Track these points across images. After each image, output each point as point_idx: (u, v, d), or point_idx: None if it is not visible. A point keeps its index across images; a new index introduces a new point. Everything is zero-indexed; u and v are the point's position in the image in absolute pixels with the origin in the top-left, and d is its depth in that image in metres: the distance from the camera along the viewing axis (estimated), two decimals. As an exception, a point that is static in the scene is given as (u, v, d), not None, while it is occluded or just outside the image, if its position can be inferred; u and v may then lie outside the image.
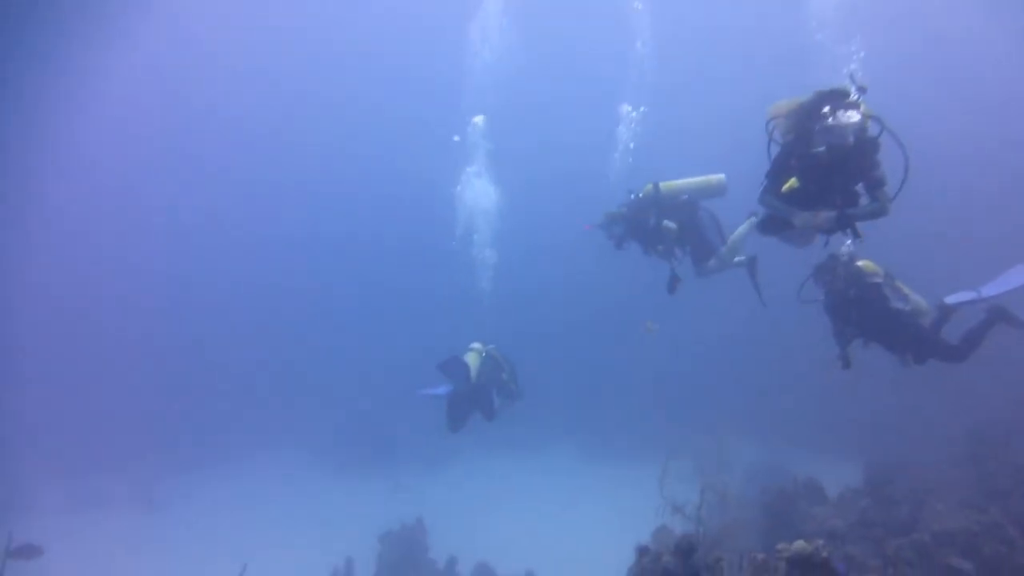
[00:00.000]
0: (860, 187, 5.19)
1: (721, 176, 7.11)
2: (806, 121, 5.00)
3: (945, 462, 10.58)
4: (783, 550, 4.71)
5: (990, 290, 5.75)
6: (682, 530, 6.13)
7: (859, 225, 5.17)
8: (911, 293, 5.87)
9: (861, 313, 5.75)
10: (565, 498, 14.15)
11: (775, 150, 5.40)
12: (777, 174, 5.26)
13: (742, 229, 7.17)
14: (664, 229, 7.09)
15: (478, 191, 14.36)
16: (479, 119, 13.86)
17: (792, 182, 4.99)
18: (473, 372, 8.21)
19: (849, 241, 5.47)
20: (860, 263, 5.86)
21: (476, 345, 8.74)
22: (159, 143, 28.04)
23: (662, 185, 7.23)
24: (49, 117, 16.86)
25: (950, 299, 5.83)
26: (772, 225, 5.56)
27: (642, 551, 5.32)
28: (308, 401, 21.99)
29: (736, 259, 7.31)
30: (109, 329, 24.67)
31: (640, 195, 7.32)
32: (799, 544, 4.60)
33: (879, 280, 5.74)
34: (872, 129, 4.92)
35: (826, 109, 4.83)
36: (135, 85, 24.08)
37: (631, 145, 12.11)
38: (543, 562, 10.50)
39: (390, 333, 27.08)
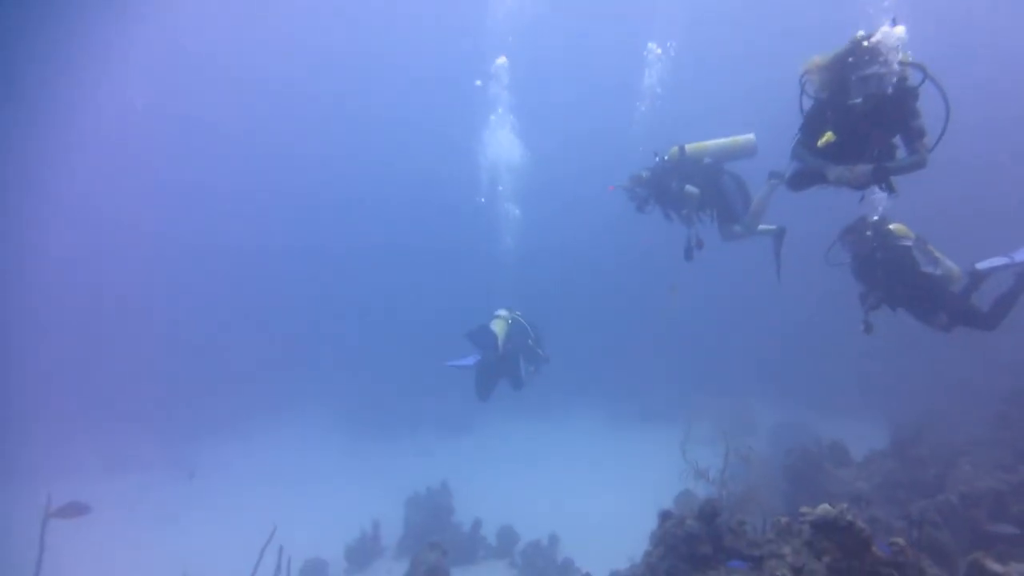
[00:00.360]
0: (897, 139, 5.01)
1: (750, 136, 6.85)
2: (842, 71, 4.75)
3: (974, 423, 10.47)
4: (807, 513, 4.74)
5: (1022, 255, 5.55)
6: (705, 494, 6.17)
7: (895, 180, 5.00)
8: (943, 258, 5.65)
9: (888, 276, 5.58)
10: (588, 462, 14.29)
11: (808, 104, 5.21)
12: (812, 128, 5.04)
13: (764, 191, 6.96)
14: (686, 194, 6.90)
15: (501, 141, 14.18)
16: (502, 60, 13.58)
17: (828, 135, 4.77)
18: (500, 340, 8.20)
19: (885, 195, 5.24)
20: (891, 226, 5.65)
21: (502, 312, 8.72)
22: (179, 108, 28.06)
23: (688, 147, 7.03)
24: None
25: (981, 265, 5.61)
26: (804, 180, 5.34)
27: (665, 515, 5.39)
28: (335, 365, 22.45)
29: (763, 227, 7.14)
30: (140, 293, 25.27)
31: (665, 158, 7.15)
32: (823, 508, 4.62)
33: (909, 243, 5.53)
34: (913, 78, 4.74)
35: (864, 58, 4.61)
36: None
37: (658, 90, 11.72)
38: (567, 526, 10.64)
39: (416, 295, 27.36)
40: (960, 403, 11.85)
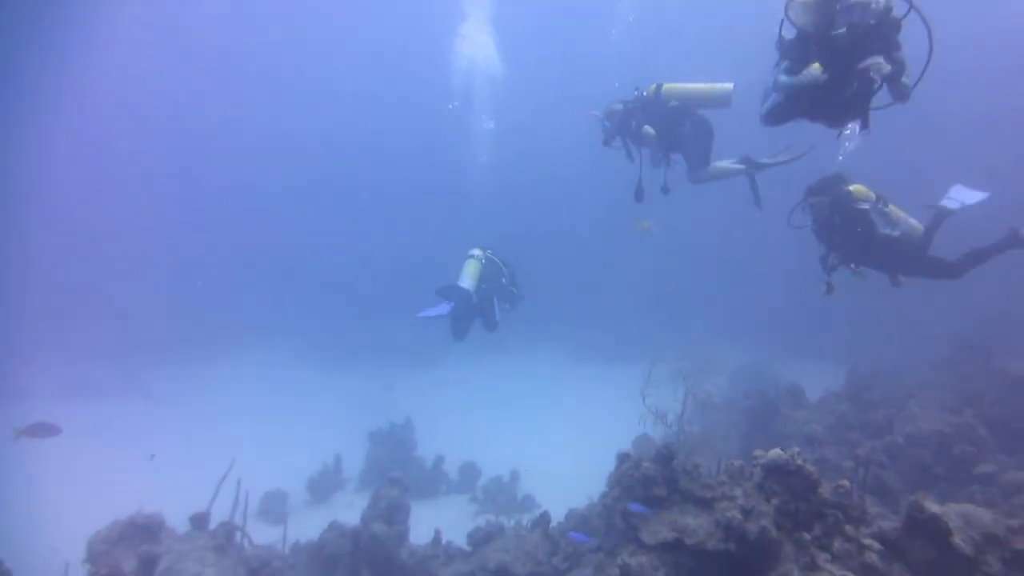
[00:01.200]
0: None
1: (727, 86, 6.59)
2: (826, 2, 4.62)
3: (927, 365, 10.85)
4: (759, 457, 4.85)
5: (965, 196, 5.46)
6: (664, 437, 6.28)
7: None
8: (905, 217, 5.58)
9: (847, 239, 5.57)
10: (552, 399, 14.50)
11: (790, 35, 5.04)
12: (795, 59, 4.89)
13: (729, 164, 6.84)
14: (643, 133, 6.79)
15: (477, 46, 13.57)
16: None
17: (816, 66, 4.65)
18: (474, 282, 8.17)
19: (859, 132, 5.12)
20: (851, 188, 5.56)
21: (475, 252, 8.57)
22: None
23: (665, 87, 6.84)
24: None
25: (948, 201, 5.60)
26: (782, 113, 5.21)
27: (623, 458, 5.46)
28: (302, 295, 22.19)
29: (734, 168, 7.00)
30: (104, 221, 24.48)
31: (644, 94, 6.97)
32: (774, 452, 4.72)
33: (866, 206, 5.46)
34: (898, 10, 4.62)
35: None
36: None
37: (630, 18, 11.23)
38: (528, 462, 10.87)
39: (386, 223, 26.91)
40: (913, 345, 12.21)
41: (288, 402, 15.04)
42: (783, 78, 4.93)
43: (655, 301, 19.45)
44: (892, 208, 5.55)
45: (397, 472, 7.46)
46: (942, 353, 11.05)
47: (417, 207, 26.84)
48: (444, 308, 8.23)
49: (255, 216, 27.62)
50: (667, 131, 6.71)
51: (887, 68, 4.51)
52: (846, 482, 4.47)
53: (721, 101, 6.53)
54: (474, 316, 8.55)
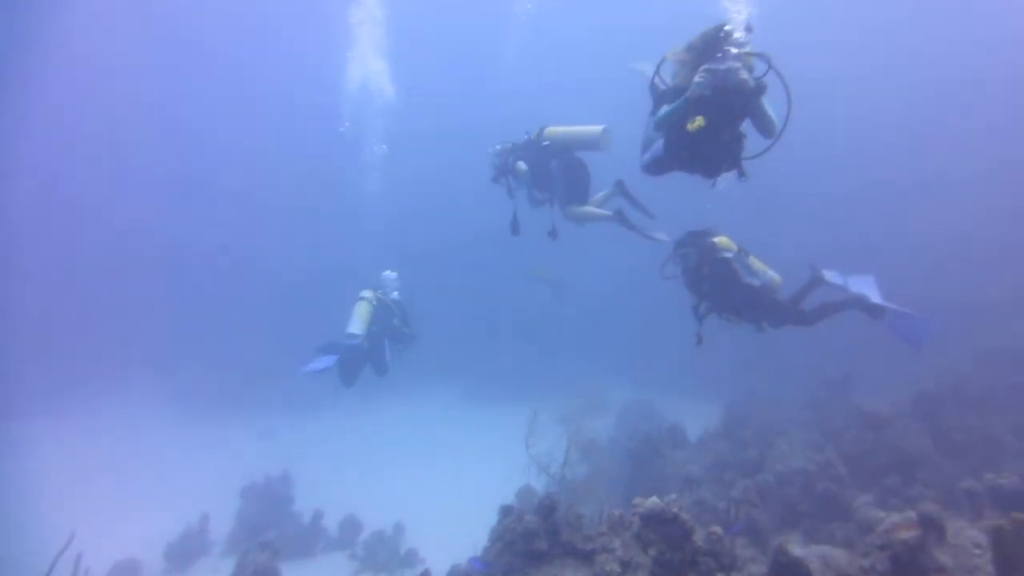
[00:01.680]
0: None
1: (597, 129, 6.85)
2: (694, 62, 4.87)
3: (797, 403, 11.56)
4: (637, 505, 4.86)
5: (856, 286, 5.90)
6: (547, 486, 6.20)
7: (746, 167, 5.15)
8: (765, 268, 5.99)
9: (714, 288, 5.89)
10: (442, 444, 14.13)
11: (664, 90, 5.24)
12: (672, 113, 5.07)
13: (605, 194, 7.10)
14: (516, 169, 7.05)
15: (369, 70, 13.28)
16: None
17: (699, 120, 4.79)
18: (364, 326, 8.04)
19: (735, 181, 5.40)
20: (715, 239, 5.94)
21: (366, 293, 8.40)
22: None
23: (547, 129, 7.08)
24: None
25: (827, 273, 6.04)
26: (660, 166, 5.42)
27: (505, 511, 5.33)
28: (168, 334, 20.41)
29: (602, 214, 7.21)
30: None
31: (528, 136, 7.20)
32: (651, 500, 4.75)
33: (730, 255, 5.85)
34: (758, 69, 4.90)
35: (714, 51, 4.74)
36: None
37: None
38: (414, 514, 10.45)
39: (268, 251, 25.56)
40: (786, 382, 12.98)
41: (152, 454, 13.57)
42: (660, 116, 5.11)
43: (548, 339, 19.67)
44: (752, 259, 5.95)
45: (270, 532, 6.93)
46: (810, 391, 11.84)
47: (306, 234, 25.79)
48: (330, 359, 8.04)
49: (124, 248, 25.43)
50: (537, 169, 6.91)
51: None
52: (717, 529, 4.55)
53: (591, 143, 6.73)
54: (365, 361, 8.36)
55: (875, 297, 5.68)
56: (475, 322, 20.69)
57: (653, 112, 5.40)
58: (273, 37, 27.31)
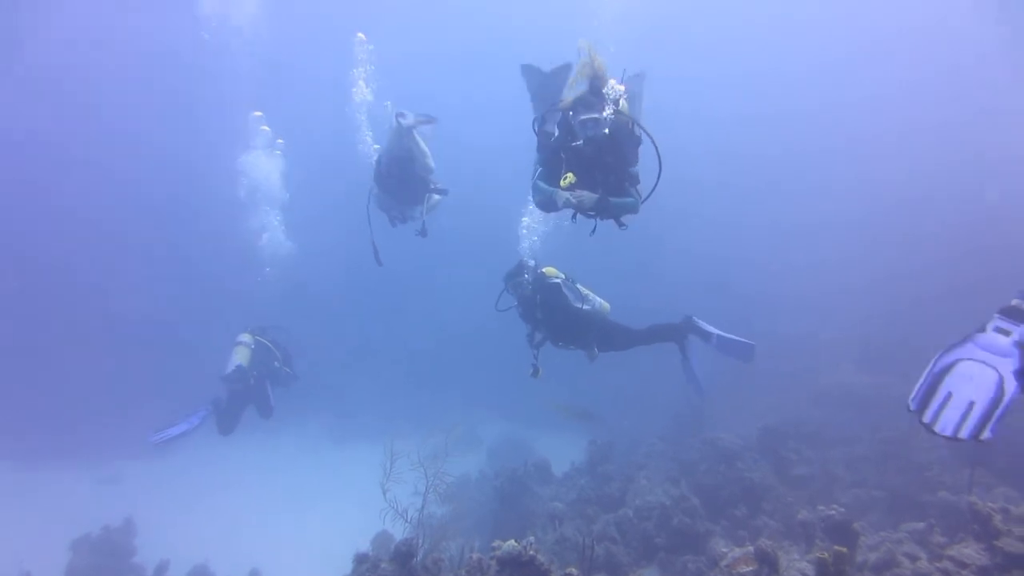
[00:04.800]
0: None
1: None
2: (569, 115, 5.08)
3: (656, 435, 11.99)
4: (496, 548, 4.71)
5: (720, 340, 6.15)
6: (405, 531, 5.89)
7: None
8: (591, 294, 6.34)
9: (546, 314, 6.13)
10: (301, 485, 13.19)
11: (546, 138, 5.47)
12: (548, 164, 5.33)
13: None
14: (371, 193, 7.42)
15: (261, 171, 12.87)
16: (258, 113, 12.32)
17: (570, 177, 5.03)
18: (245, 366, 8.00)
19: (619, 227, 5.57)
20: (543, 269, 6.26)
21: (244, 338, 8.32)
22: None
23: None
24: None
25: (699, 321, 6.22)
26: (549, 206, 5.55)
27: (360, 559, 4.99)
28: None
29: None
30: None
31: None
32: (509, 543, 4.61)
33: (558, 282, 6.15)
34: (631, 125, 5.12)
35: (586, 104, 4.92)
36: None
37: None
38: (269, 562, 9.68)
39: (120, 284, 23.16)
40: (648, 413, 13.42)
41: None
42: (541, 185, 5.37)
43: (420, 371, 19.26)
44: (580, 286, 6.32)
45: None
46: (668, 423, 12.34)
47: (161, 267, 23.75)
48: (194, 420, 8.09)
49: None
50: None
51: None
52: (573, 570, 4.49)
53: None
54: (244, 406, 8.29)
55: (706, 326, 6.01)
56: (342, 354, 19.85)
57: (536, 161, 5.60)
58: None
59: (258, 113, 12.06)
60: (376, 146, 8.15)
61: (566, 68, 5.75)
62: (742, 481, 7.99)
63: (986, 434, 2.45)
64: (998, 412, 2.46)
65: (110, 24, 22.87)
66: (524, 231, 7.72)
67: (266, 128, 11.96)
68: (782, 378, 13.95)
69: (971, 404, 2.52)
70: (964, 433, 2.47)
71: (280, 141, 12.31)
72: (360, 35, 10.00)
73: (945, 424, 2.52)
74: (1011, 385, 2.52)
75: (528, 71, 5.97)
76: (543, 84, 5.88)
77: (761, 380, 13.55)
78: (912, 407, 2.65)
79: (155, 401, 14.50)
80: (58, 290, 21.42)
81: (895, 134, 24.47)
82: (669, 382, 13.37)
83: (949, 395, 2.59)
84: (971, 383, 2.58)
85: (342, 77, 9.83)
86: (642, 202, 5.33)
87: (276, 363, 8.58)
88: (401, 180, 7.29)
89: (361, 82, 9.59)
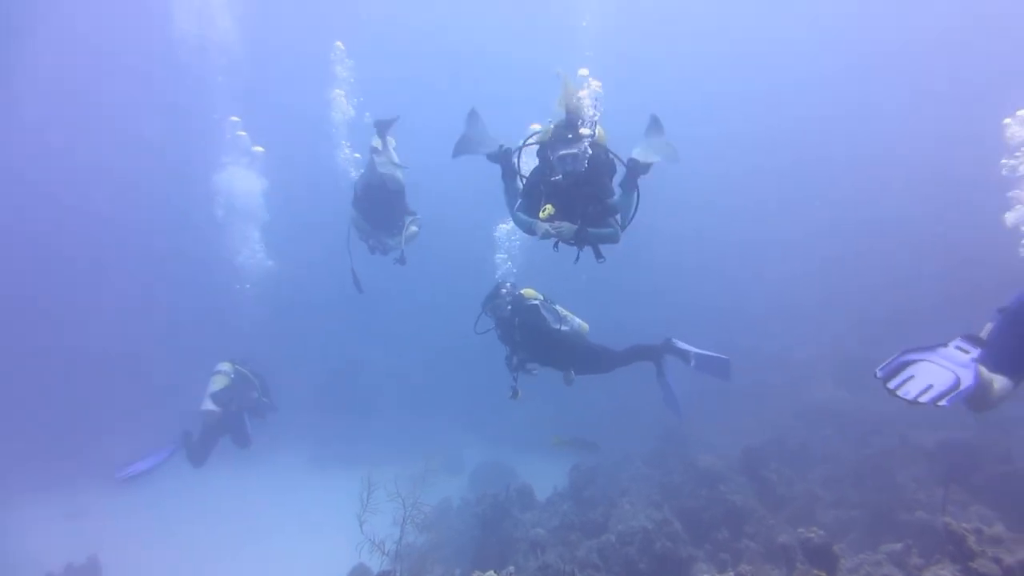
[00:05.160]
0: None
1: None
2: (546, 149, 5.15)
3: (640, 458, 11.96)
4: (473, 580, 4.69)
5: (699, 359, 6.06)
6: (383, 564, 5.82)
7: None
8: (571, 315, 6.39)
9: (525, 335, 6.18)
10: (280, 516, 12.79)
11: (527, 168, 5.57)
12: (528, 195, 5.41)
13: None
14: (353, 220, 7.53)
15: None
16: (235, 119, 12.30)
17: (549, 209, 5.13)
18: (222, 398, 7.93)
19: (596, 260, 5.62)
20: (522, 291, 6.33)
21: (224, 366, 8.22)
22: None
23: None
24: None
25: (677, 341, 6.26)
26: (532, 232, 5.63)
27: (333, 593, 4.93)
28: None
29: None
30: None
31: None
32: (488, 575, 4.60)
33: (536, 303, 6.22)
34: (603, 157, 5.22)
35: (562, 138, 4.99)
36: None
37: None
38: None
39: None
40: (631, 436, 13.34)
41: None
42: (521, 216, 5.50)
43: (403, 396, 19.08)
44: (559, 307, 6.36)
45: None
46: (652, 444, 12.31)
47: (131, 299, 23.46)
48: (163, 453, 8.05)
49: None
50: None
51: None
52: (553, 602, 4.46)
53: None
54: (220, 436, 8.24)
55: (685, 346, 6.07)
56: (326, 380, 19.62)
57: (503, 176, 5.79)
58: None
59: (235, 118, 11.98)
60: (355, 172, 8.21)
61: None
62: (724, 504, 7.98)
63: (943, 403, 2.67)
64: (954, 394, 2.68)
65: (82, 42, 22.80)
66: (499, 259, 7.78)
67: (243, 133, 11.84)
68: (763, 395, 14.06)
69: (930, 387, 2.75)
70: (925, 399, 2.68)
71: (258, 149, 12.26)
72: (339, 44, 10.06)
73: (907, 391, 2.74)
74: (966, 383, 2.73)
75: (473, 118, 6.08)
76: (474, 136, 6.02)
77: (743, 397, 13.66)
78: (879, 374, 2.86)
79: (125, 430, 14.29)
80: (20, 318, 21.01)
81: (871, 153, 24.99)
82: (652, 403, 13.42)
83: (912, 376, 2.82)
84: (931, 375, 2.81)
85: (321, 90, 9.89)
86: (623, 230, 5.41)
87: (255, 393, 8.47)
88: (377, 204, 7.38)
89: (341, 97, 9.63)
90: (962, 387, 2.70)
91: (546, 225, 5.18)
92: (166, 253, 25.01)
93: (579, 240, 5.33)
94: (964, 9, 22.17)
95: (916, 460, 9.02)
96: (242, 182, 12.51)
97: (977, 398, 3.06)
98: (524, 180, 5.55)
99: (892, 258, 19.48)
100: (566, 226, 5.16)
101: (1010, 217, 5.81)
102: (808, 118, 26.47)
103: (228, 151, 12.13)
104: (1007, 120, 5.91)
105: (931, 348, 2.93)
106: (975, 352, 2.93)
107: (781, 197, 25.85)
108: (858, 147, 25.39)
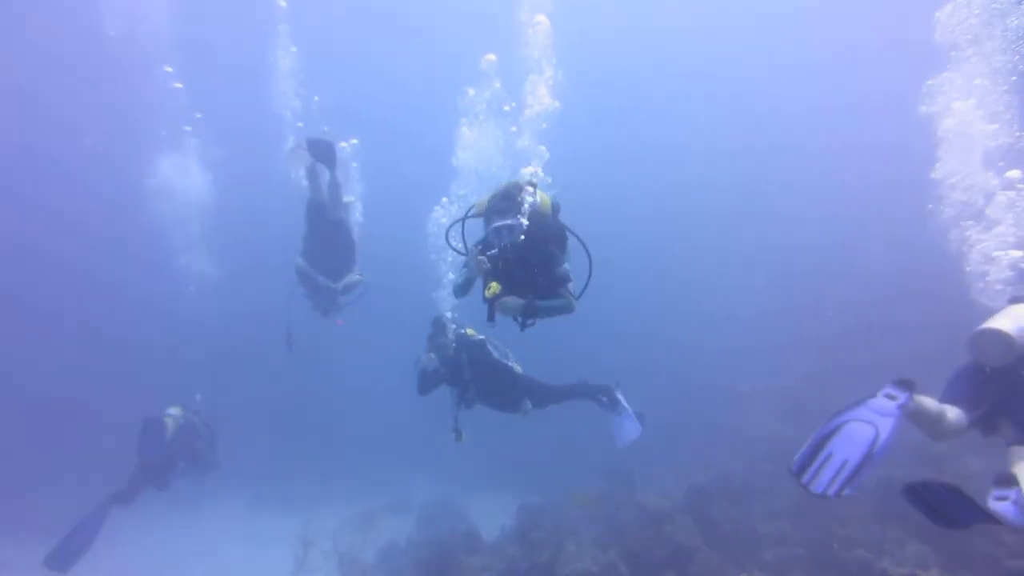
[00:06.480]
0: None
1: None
2: (486, 220, 4.87)
3: (588, 494, 11.82)
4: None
5: (623, 414, 6.33)
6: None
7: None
8: (509, 354, 6.52)
9: (474, 371, 6.17)
10: (217, 566, 12.13)
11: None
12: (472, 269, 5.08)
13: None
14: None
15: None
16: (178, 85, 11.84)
17: (494, 287, 4.72)
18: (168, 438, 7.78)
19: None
20: (464, 330, 6.38)
21: (173, 411, 8.08)
22: None
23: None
24: None
25: (619, 394, 6.46)
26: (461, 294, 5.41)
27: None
28: None
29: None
30: None
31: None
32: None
33: (482, 338, 6.30)
34: (553, 226, 5.00)
35: (498, 210, 4.74)
36: None
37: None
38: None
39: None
40: (580, 474, 13.22)
41: None
42: (457, 281, 5.28)
43: (351, 433, 18.53)
44: (498, 343, 6.45)
45: None
46: (598, 485, 12.20)
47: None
48: (94, 522, 7.98)
49: None
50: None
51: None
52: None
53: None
54: (152, 478, 8.01)
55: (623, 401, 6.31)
56: (268, 417, 18.93)
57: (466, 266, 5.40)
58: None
59: (178, 85, 11.57)
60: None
61: None
62: (670, 543, 7.97)
63: (846, 491, 2.77)
64: (862, 472, 2.77)
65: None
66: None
67: (179, 85, 11.40)
68: (709, 431, 14.18)
69: (844, 463, 2.82)
70: (831, 491, 2.76)
71: (197, 115, 11.81)
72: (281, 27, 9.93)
73: (819, 483, 2.81)
74: (882, 442, 2.83)
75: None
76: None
77: (687, 434, 13.77)
78: (793, 470, 2.95)
79: (48, 479, 13.39)
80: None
81: (807, 184, 25.93)
82: (598, 440, 13.38)
83: (829, 455, 2.89)
84: (850, 443, 2.88)
85: (265, 88, 9.72)
86: (576, 299, 5.02)
87: (200, 444, 8.19)
88: (326, 235, 7.32)
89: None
90: (874, 455, 2.78)
91: (499, 303, 4.81)
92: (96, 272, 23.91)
93: (529, 315, 4.92)
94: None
95: (855, 497, 9.19)
96: (183, 176, 12.13)
97: (926, 430, 3.30)
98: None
99: (830, 289, 19.85)
100: (512, 301, 4.79)
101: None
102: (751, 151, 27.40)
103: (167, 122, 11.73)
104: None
105: (858, 403, 3.00)
106: (902, 397, 3.03)
107: (723, 244, 26.34)
108: (794, 183, 26.34)
